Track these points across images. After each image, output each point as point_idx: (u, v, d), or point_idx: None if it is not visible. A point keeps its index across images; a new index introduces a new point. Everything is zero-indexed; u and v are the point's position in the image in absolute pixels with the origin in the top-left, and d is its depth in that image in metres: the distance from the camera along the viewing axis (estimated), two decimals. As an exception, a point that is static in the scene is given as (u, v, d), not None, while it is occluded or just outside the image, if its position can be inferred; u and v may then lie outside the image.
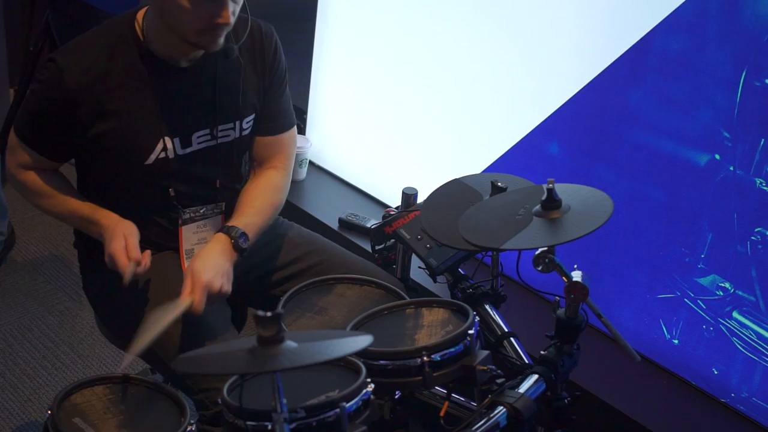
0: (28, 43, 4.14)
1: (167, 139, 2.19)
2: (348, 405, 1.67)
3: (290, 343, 1.49)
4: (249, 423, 1.64)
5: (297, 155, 3.36)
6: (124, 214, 2.20)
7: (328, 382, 1.74)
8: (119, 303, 2.27)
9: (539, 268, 2.00)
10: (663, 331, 2.70)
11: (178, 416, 1.94)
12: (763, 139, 2.38)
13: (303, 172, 3.45)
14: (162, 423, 1.92)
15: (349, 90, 3.45)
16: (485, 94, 2.98)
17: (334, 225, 3.22)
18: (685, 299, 2.63)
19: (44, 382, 3.06)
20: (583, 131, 2.76)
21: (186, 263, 2.28)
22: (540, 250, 2.00)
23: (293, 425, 1.60)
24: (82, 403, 1.94)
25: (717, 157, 2.48)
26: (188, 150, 2.23)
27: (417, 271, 2.70)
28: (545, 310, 2.81)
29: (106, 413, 1.92)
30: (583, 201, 1.97)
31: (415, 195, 2.69)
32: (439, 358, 1.86)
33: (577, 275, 1.99)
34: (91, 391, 1.98)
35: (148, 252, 2.12)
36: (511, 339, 2.27)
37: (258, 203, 2.29)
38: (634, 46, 2.55)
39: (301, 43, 3.66)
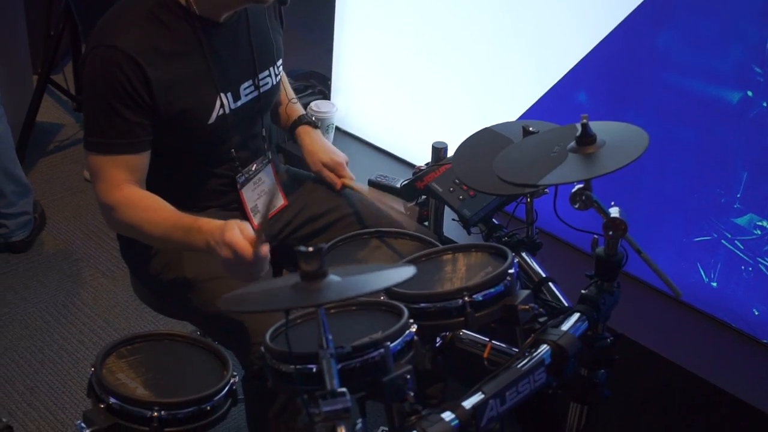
0: (48, 28, 4.16)
1: (222, 96, 2.20)
2: (392, 345, 1.67)
3: (333, 277, 1.49)
4: (295, 366, 1.63)
5: (323, 120, 3.34)
6: (186, 174, 2.26)
7: (371, 325, 1.73)
8: (160, 265, 2.27)
9: (576, 206, 1.99)
10: (701, 274, 2.67)
11: (220, 370, 1.95)
12: (796, 73, 2.35)
13: (330, 138, 3.43)
14: (205, 376, 1.93)
15: (372, 52, 3.43)
16: (510, 46, 2.96)
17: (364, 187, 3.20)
18: (723, 240, 2.60)
19: (83, 356, 3.07)
20: (611, 76, 2.73)
21: (255, 220, 2.33)
22: (576, 187, 1.98)
23: (339, 366, 1.59)
24: (124, 359, 1.96)
25: (749, 93, 2.44)
26: (239, 103, 2.25)
27: (450, 225, 2.70)
28: (579, 260, 2.80)
29: (149, 369, 1.93)
30: (618, 136, 1.95)
31: (445, 148, 2.68)
32: (480, 298, 1.85)
33: (614, 211, 1.97)
34: (133, 348, 1.99)
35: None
36: (550, 284, 2.25)
37: (290, 91, 2.60)
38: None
39: (323, 10, 3.65)
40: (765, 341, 2.59)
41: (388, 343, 1.65)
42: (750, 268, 2.57)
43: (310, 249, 1.47)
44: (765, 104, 2.41)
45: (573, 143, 1.93)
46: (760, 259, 2.54)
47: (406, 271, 1.57)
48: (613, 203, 1.99)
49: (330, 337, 1.51)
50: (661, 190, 2.70)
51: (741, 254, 2.57)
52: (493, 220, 2.48)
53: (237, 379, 1.95)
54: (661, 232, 2.72)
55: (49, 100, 4.47)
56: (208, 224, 1.99)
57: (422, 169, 2.67)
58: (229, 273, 1.95)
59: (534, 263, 2.33)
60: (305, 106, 3.39)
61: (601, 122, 2.00)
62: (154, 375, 1.92)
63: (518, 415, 2.76)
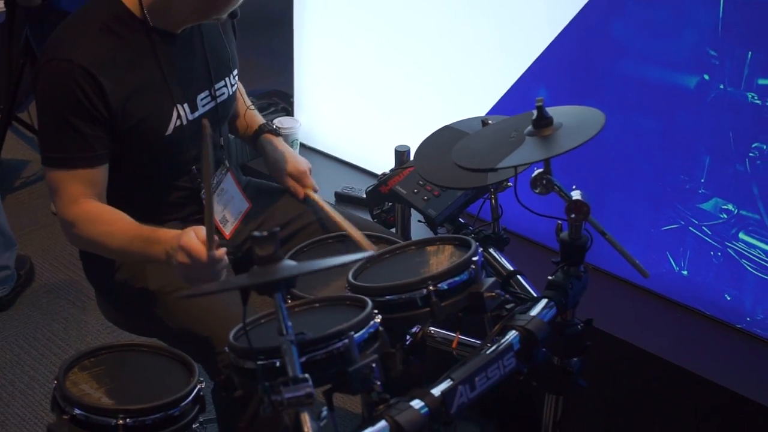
0: (10, 64, 4.14)
1: (179, 107, 2.18)
2: (356, 335, 1.64)
3: (288, 262, 1.46)
4: (257, 362, 1.61)
5: (287, 136, 3.32)
6: (146, 187, 2.23)
7: (336, 320, 1.71)
8: (123, 279, 2.24)
9: (537, 190, 1.98)
10: (671, 263, 2.66)
11: (187, 376, 1.92)
12: (750, 52, 2.35)
13: (295, 154, 3.41)
14: (171, 384, 1.88)
15: (332, 67, 3.43)
16: (467, 48, 2.96)
17: (331, 200, 3.19)
18: (690, 227, 2.59)
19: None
20: (569, 71, 2.73)
21: (225, 230, 2.34)
22: (537, 171, 1.98)
23: (304, 358, 1.56)
24: (87, 371, 1.91)
25: (706, 77, 2.45)
26: (196, 114, 2.23)
27: (417, 228, 2.68)
28: (547, 257, 2.77)
29: (114, 379, 1.89)
30: (574, 117, 1.95)
31: (407, 152, 2.68)
32: (446, 287, 1.82)
33: (576, 194, 1.96)
34: (96, 360, 1.95)
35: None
36: (518, 277, 2.24)
37: (248, 101, 2.54)
38: (611, -25, 2.54)
39: (281, 30, 3.66)
40: (738, 326, 2.58)
41: (352, 332, 1.63)
42: (719, 253, 2.56)
43: (265, 233, 1.44)
44: (722, 86, 2.42)
45: (530, 127, 1.93)
46: (728, 244, 2.54)
47: (364, 253, 1.55)
48: (574, 186, 1.98)
49: (290, 323, 1.48)
50: (626, 182, 2.70)
51: (709, 240, 2.57)
52: (460, 219, 2.46)
53: (204, 385, 1.91)
54: (628, 224, 2.71)
55: (13, 138, 4.43)
56: (166, 234, 1.99)
57: (386, 174, 2.66)
58: (187, 279, 1.94)
59: (502, 258, 2.31)
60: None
61: (557, 107, 1.99)
62: (118, 385, 1.87)
63: (497, 420, 2.75)
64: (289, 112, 3.58)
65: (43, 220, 3.95)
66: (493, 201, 2.35)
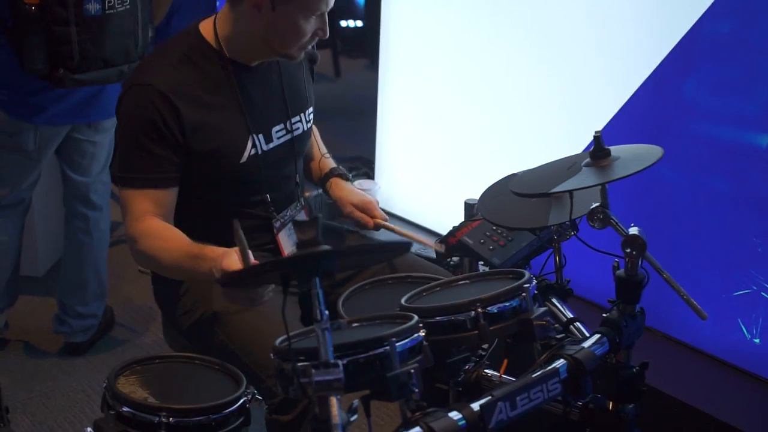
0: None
1: (254, 137, 2.26)
2: (399, 343, 1.64)
3: (327, 246, 1.48)
4: (299, 365, 1.61)
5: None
6: (221, 215, 2.25)
7: (382, 331, 1.71)
8: (190, 302, 2.29)
9: (594, 225, 1.97)
10: (743, 331, 2.59)
11: (235, 387, 1.94)
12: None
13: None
14: (219, 391, 1.91)
15: (413, 133, 3.50)
16: (540, 110, 2.99)
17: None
18: (762, 293, 2.53)
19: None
20: (641, 129, 2.74)
21: None
22: (594, 205, 1.97)
23: (345, 360, 1.57)
24: (138, 375, 1.95)
25: (778, 135, 2.43)
26: (271, 145, 2.31)
27: (483, 279, 2.67)
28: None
29: (162, 383, 1.93)
30: (632, 152, 1.96)
31: (476, 205, 2.69)
32: (495, 311, 1.82)
33: (634, 230, 1.94)
34: (148, 367, 1.99)
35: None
36: (578, 323, 2.21)
37: (323, 147, 2.62)
38: (685, 35, 2.55)
39: (366, 90, 3.76)
40: (814, 399, 2.48)
41: (394, 339, 1.63)
42: (793, 320, 2.49)
43: (306, 218, 1.47)
44: (795, 144, 2.40)
45: (588, 159, 1.94)
46: (802, 310, 2.46)
47: (402, 241, 1.57)
48: (632, 224, 1.97)
49: (326, 311, 1.50)
50: (695, 244, 2.66)
51: (783, 306, 2.50)
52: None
53: (251, 397, 1.92)
54: (698, 289, 2.64)
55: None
56: (213, 251, 2.04)
57: (455, 227, 2.68)
58: (229, 299, 2.01)
59: (564, 308, 2.28)
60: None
61: (616, 146, 2.00)
62: (166, 389, 1.91)
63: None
64: (370, 176, 3.65)
65: (129, 275, 4.06)
66: (556, 250, 2.34)
